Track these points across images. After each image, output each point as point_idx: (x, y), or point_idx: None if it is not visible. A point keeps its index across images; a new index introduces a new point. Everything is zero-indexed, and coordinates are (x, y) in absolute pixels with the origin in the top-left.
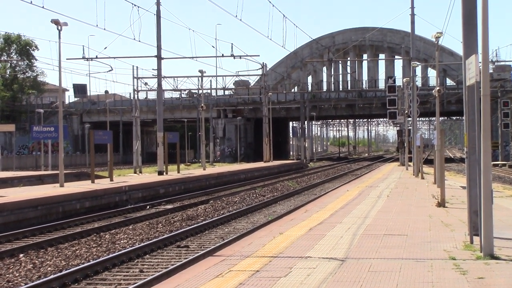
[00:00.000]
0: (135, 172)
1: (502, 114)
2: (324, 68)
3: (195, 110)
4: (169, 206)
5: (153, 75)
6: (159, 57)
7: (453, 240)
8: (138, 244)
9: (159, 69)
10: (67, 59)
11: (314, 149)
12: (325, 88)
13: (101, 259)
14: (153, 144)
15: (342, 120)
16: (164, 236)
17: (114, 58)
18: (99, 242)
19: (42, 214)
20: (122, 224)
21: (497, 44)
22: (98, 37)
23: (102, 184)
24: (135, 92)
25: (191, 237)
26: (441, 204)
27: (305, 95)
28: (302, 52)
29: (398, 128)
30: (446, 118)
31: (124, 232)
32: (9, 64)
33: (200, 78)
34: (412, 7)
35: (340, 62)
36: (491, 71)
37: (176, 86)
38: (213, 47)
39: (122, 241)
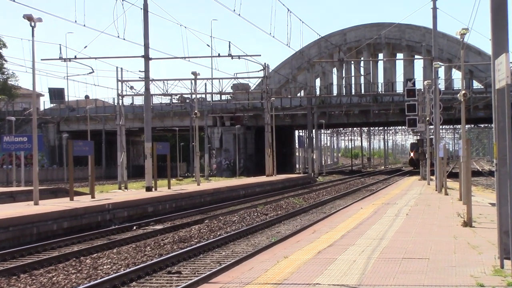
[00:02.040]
0: (119, 188)
1: None
2: (334, 70)
3: (187, 117)
4: (158, 227)
5: (140, 77)
6: (146, 57)
7: (481, 264)
8: (124, 270)
9: (146, 71)
10: (41, 59)
11: (323, 162)
12: (335, 92)
13: (81, 287)
14: (140, 156)
15: (355, 128)
16: (153, 261)
17: (96, 58)
18: (79, 268)
19: (14, 236)
20: (105, 247)
21: None
22: (77, 34)
23: (83, 201)
24: (120, 97)
25: (183, 261)
26: (468, 223)
27: (313, 100)
28: (309, 51)
29: (413, 139)
30: (472, 125)
31: (107, 256)
32: None
33: (193, 81)
34: (434, 0)
35: (352, 62)
36: None
37: (166, 90)
38: (208, 45)
39: (105, 267)
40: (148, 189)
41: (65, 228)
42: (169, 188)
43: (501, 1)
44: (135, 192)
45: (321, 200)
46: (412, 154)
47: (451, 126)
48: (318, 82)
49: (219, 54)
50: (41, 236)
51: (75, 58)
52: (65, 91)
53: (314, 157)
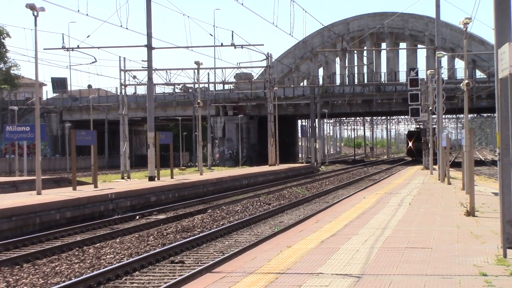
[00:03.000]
0: (122, 178)
1: None
2: (337, 59)
3: (190, 107)
4: (161, 216)
5: (142, 67)
6: (149, 47)
7: (484, 253)
8: (127, 260)
9: (149, 60)
10: (44, 49)
11: (326, 151)
12: (338, 81)
13: (84, 276)
14: (143, 145)
15: (357, 118)
16: (156, 250)
17: (98, 48)
18: (82, 258)
19: (17, 225)
20: (108, 236)
21: None
22: (80, 24)
23: (85, 191)
24: (122, 87)
25: (186, 251)
26: (470, 213)
27: (316, 90)
28: (312, 40)
29: (411, 128)
30: (475, 115)
31: (110, 245)
32: None
33: (196, 71)
34: None
35: (355, 52)
36: None
37: (169, 80)
38: (211, 35)
39: (108, 256)
40: (151, 178)
41: (68, 218)
42: (171, 177)
43: None
44: (138, 181)
45: (324, 190)
46: (410, 144)
47: (454, 116)
48: (321, 71)
49: (222, 44)
50: (44, 226)
51: (78, 47)
52: (68, 80)
53: (317, 146)
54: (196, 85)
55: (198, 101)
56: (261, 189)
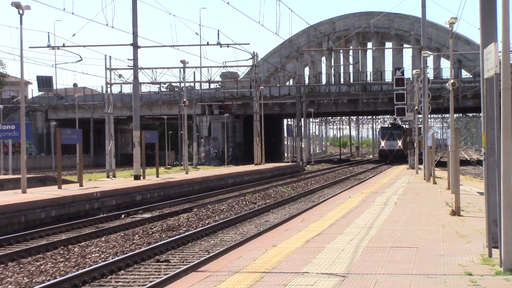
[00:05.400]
0: (108, 177)
1: None
2: (323, 58)
3: (176, 105)
4: (147, 215)
5: (128, 66)
6: (135, 45)
7: (470, 253)
8: (112, 258)
9: (135, 59)
10: (30, 47)
11: (311, 150)
12: (324, 81)
13: (69, 275)
14: (128, 144)
15: (343, 117)
16: (141, 249)
17: (84, 46)
18: (67, 256)
19: (2, 224)
20: (94, 235)
21: None
22: (66, 22)
23: (71, 190)
24: (108, 86)
25: (172, 250)
26: (456, 212)
27: (302, 89)
28: (298, 40)
29: (384, 124)
30: (461, 115)
31: (95, 244)
32: None
33: (182, 70)
34: None
35: (341, 51)
36: None
37: (155, 79)
38: (197, 34)
39: (93, 255)
40: (137, 177)
41: (53, 217)
42: (157, 176)
43: None
44: (123, 180)
45: (310, 189)
46: (383, 143)
47: (439, 115)
48: (307, 71)
49: (208, 43)
50: (29, 225)
51: (64, 46)
52: (53, 79)
53: (303, 145)
54: (182, 84)
55: (184, 100)
56: (246, 188)
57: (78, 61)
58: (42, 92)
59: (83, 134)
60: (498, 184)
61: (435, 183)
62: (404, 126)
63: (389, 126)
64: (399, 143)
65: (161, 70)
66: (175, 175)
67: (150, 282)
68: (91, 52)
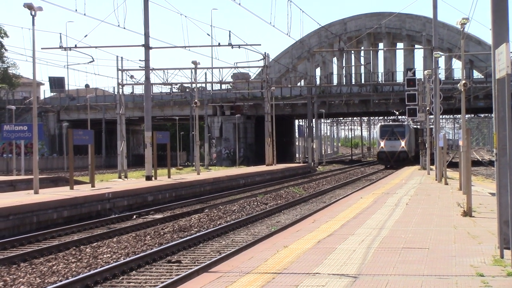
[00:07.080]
0: (119, 177)
1: None
2: (335, 59)
3: (187, 106)
4: (158, 216)
5: (140, 66)
6: (147, 46)
7: (481, 254)
8: (123, 259)
9: (147, 60)
10: (42, 48)
11: (323, 151)
12: (335, 81)
13: (81, 276)
14: (140, 145)
15: (355, 118)
16: (152, 250)
17: (96, 47)
18: (79, 257)
19: (14, 225)
20: (105, 236)
21: None
22: (78, 24)
23: (83, 190)
24: (120, 86)
25: (183, 250)
26: (468, 213)
27: (313, 90)
28: (309, 40)
29: (383, 123)
30: (473, 115)
31: (107, 245)
32: None
33: (193, 70)
34: None
35: (352, 52)
36: None
37: (166, 80)
38: (208, 35)
39: (105, 256)
40: (148, 178)
41: (65, 217)
42: (169, 177)
43: None
44: (135, 181)
45: (321, 190)
46: (382, 144)
47: (451, 116)
48: (318, 71)
49: (219, 44)
50: (41, 225)
51: (76, 47)
52: (65, 80)
53: (314, 146)
54: (194, 85)
55: (196, 100)
56: (258, 188)
57: (90, 62)
58: (54, 93)
59: (95, 135)
60: (510, 185)
61: (446, 183)
62: (408, 123)
63: (389, 123)
64: (402, 143)
65: (173, 71)
66: (187, 175)
67: (162, 282)
68: (103, 53)
